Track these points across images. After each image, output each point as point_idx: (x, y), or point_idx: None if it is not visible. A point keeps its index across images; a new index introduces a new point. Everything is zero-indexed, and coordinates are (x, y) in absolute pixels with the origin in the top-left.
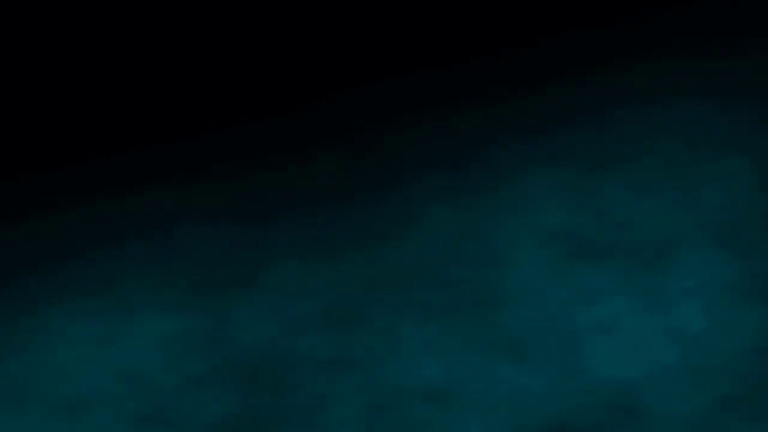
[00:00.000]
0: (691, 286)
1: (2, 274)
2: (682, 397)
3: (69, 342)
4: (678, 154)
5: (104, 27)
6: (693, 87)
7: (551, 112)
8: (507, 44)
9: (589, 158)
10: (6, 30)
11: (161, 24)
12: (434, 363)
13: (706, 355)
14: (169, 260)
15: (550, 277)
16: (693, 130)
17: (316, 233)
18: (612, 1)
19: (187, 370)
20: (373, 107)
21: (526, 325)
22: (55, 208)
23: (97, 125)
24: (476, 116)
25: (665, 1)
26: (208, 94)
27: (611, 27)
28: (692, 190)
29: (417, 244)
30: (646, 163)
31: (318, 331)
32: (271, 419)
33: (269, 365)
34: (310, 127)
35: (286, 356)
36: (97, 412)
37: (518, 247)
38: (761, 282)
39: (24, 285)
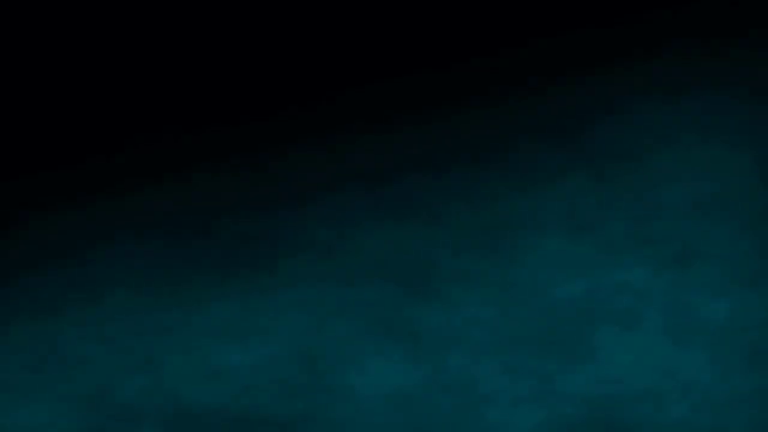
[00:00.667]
0: (714, 280)
1: (2, 274)
2: (705, 392)
3: (79, 339)
4: (684, 150)
5: (104, 27)
6: (693, 86)
7: (551, 112)
8: (507, 44)
9: (594, 156)
10: (6, 30)
11: (161, 25)
12: (459, 355)
13: (731, 349)
14: (171, 259)
15: (570, 272)
16: (695, 129)
17: (325, 230)
18: (612, 1)
19: (215, 362)
20: (373, 107)
21: (550, 320)
22: (55, 208)
23: (97, 125)
24: (476, 116)
25: (665, 1)
26: (208, 93)
27: (611, 27)
28: (704, 187)
29: (432, 240)
30: (653, 160)
31: (343, 324)
32: (301, 415)
33: (299, 357)
34: (310, 128)
35: (315, 347)
36: (120, 407)
37: (538, 242)
38: None
39: (24, 285)
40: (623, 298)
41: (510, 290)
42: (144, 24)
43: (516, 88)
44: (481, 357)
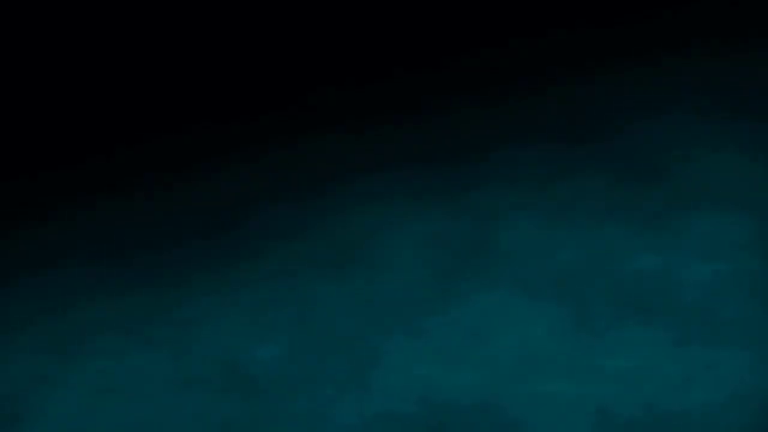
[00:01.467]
0: (741, 276)
1: (2, 274)
2: (734, 386)
3: (104, 332)
4: (686, 148)
5: (104, 28)
6: (693, 85)
7: (551, 112)
8: (507, 44)
9: (596, 154)
10: (6, 30)
11: (159, 25)
12: (484, 350)
13: (760, 344)
14: (174, 257)
15: (596, 265)
16: (697, 128)
17: (342, 225)
18: (612, 1)
19: (242, 354)
20: (375, 107)
21: (578, 313)
22: (55, 208)
23: (97, 125)
24: (476, 116)
25: (665, 1)
26: (207, 93)
27: (612, 27)
28: (707, 183)
29: (452, 234)
30: (655, 159)
31: (370, 317)
32: (328, 407)
33: (323, 350)
34: (310, 128)
35: (339, 340)
36: (147, 395)
37: (560, 237)
38: None
39: (24, 285)
40: (649, 291)
41: (534, 284)
42: (143, 24)
43: (516, 88)
44: (507, 351)
